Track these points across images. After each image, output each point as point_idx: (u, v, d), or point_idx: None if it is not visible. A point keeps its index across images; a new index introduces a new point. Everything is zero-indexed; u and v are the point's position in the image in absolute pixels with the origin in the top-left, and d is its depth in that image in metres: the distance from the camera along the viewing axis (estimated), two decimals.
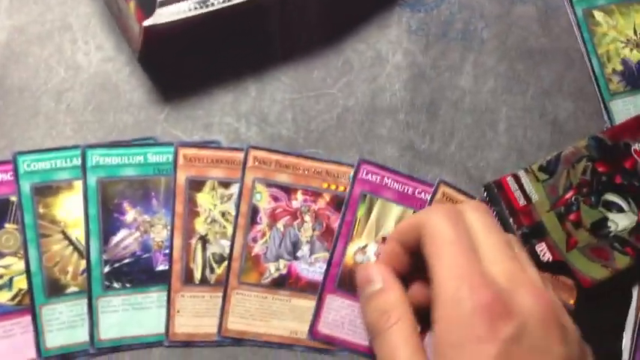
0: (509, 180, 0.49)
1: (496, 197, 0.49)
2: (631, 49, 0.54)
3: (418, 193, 0.49)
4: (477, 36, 0.53)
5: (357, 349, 0.48)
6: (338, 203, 0.48)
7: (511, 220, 0.49)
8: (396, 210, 0.49)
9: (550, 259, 0.49)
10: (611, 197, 0.50)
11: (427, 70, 0.52)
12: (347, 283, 0.48)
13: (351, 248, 0.48)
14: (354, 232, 0.48)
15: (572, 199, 0.49)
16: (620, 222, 0.50)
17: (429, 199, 0.50)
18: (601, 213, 0.49)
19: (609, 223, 0.50)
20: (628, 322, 0.52)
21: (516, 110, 0.52)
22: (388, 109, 0.51)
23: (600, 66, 0.54)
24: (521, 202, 0.49)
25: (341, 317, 0.48)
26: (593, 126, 0.53)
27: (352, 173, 0.49)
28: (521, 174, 0.49)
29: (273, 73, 0.50)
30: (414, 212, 0.49)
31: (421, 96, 0.51)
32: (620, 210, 0.50)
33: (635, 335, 0.51)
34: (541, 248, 0.49)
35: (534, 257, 0.49)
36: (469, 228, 0.39)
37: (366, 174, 0.49)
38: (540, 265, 0.48)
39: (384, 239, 0.49)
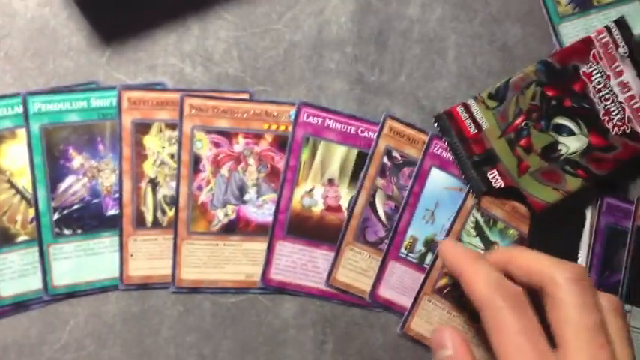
0: (460, 109, 0.49)
1: (447, 127, 0.49)
2: None
3: (362, 132, 0.49)
4: None
5: (310, 292, 0.48)
6: (281, 143, 0.48)
7: (462, 148, 0.49)
8: (340, 151, 0.49)
9: (502, 185, 0.49)
10: (561, 121, 0.50)
11: (373, 1, 0.51)
12: (296, 227, 0.48)
13: (298, 193, 0.48)
14: (299, 176, 0.48)
15: (522, 124, 0.49)
16: (571, 145, 0.50)
17: (375, 136, 0.50)
18: (551, 137, 0.49)
19: (560, 147, 0.49)
20: (582, 244, 0.52)
21: (465, 38, 0.52)
22: (336, 43, 0.50)
23: None
24: (472, 130, 0.49)
25: (292, 262, 0.48)
26: (543, 50, 0.53)
27: (293, 115, 0.48)
28: (471, 102, 0.49)
29: (215, 10, 0.49)
30: (358, 152, 0.49)
31: (369, 27, 0.51)
32: (571, 133, 0.50)
33: (589, 257, 0.52)
34: (493, 175, 0.49)
35: (487, 184, 0.48)
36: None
37: (307, 117, 0.48)
38: (493, 192, 0.48)
39: (330, 181, 0.49)
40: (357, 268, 0.49)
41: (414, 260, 0.50)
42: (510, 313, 0.34)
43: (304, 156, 0.48)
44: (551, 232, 0.51)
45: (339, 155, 0.48)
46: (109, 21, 0.47)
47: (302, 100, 0.49)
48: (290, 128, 0.48)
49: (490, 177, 0.49)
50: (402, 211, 0.50)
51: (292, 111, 0.48)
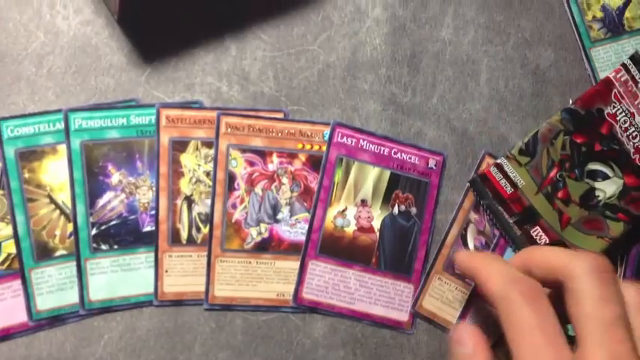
0: (493, 170, 0.49)
1: (483, 190, 0.49)
2: None
3: (394, 153, 0.50)
4: None
5: (341, 312, 0.48)
6: (314, 163, 0.48)
7: (502, 210, 0.49)
8: (373, 172, 0.49)
9: (547, 241, 0.49)
10: (594, 166, 0.50)
11: (407, 23, 0.52)
12: (329, 247, 0.48)
13: (331, 212, 0.48)
14: (333, 196, 0.49)
15: (557, 176, 0.49)
16: (607, 189, 0.49)
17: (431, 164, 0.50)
18: (587, 184, 0.49)
19: (597, 193, 0.49)
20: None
21: (497, 61, 0.52)
22: (369, 64, 0.51)
23: (580, 13, 0.54)
24: (509, 189, 0.49)
25: (324, 282, 0.48)
26: (574, 74, 0.53)
27: (327, 136, 0.49)
28: (504, 161, 0.49)
29: (252, 31, 0.50)
30: (391, 173, 0.49)
31: (402, 49, 0.51)
32: (606, 177, 0.50)
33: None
34: (536, 232, 0.49)
35: (531, 242, 0.49)
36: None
37: (341, 137, 0.49)
38: None
39: (362, 202, 0.49)
40: (443, 298, 0.50)
41: None
42: (526, 308, 0.32)
43: (338, 176, 0.48)
44: None
45: (372, 176, 0.49)
46: (148, 40, 0.48)
47: (336, 121, 0.49)
48: (324, 148, 0.48)
49: (534, 234, 0.49)
50: (492, 250, 0.50)
51: (326, 131, 0.49)
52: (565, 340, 0.31)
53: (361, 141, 0.49)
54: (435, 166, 0.50)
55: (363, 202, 0.49)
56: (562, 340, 0.31)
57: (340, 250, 0.48)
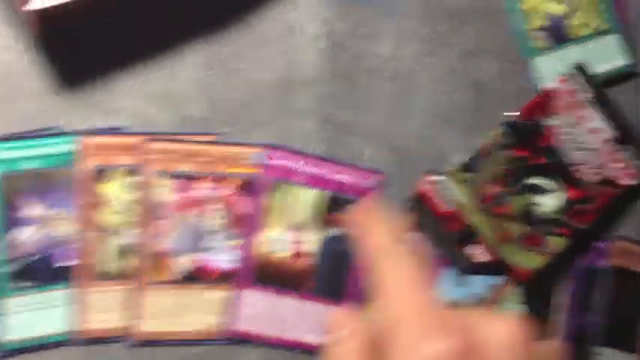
0: (432, 188, 0.48)
1: (422, 209, 0.48)
2: (555, 3, 0.52)
3: (332, 174, 0.48)
4: None
5: (275, 342, 0.46)
6: (246, 188, 0.47)
7: (442, 229, 0.47)
8: (309, 194, 0.47)
9: (487, 259, 0.47)
10: (535, 180, 0.48)
11: (345, 38, 0.50)
12: (262, 275, 0.46)
13: (264, 238, 0.46)
14: (267, 220, 0.47)
15: (498, 192, 0.48)
16: (549, 203, 0.48)
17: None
18: (528, 199, 0.48)
19: (539, 207, 0.48)
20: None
21: (439, 74, 0.51)
22: (304, 82, 0.49)
23: (523, 22, 0.52)
24: (448, 208, 0.48)
25: (257, 312, 0.46)
26: (519, 85, 0.51)
27: (260, 158, 0.47)
28: (443, 179, 0.48)
29: (181, 51, 0.48)
30: (330, 196, 0.48)
31: (339, 66, 0.49)
32: (547, 191, 0.48)
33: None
34: (476, 250, 0.48)
35: (472, 260, 0.47)
36: None
37: (275, 160, 0.47)
38: (477, 268, 0.47)
39: (298, 226, 0.47)
40: None
41: None
42: (403, 269, 0.30)
43: (272, 200, 0.46)
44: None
45: (308, 198, 0.47)
46: (71, 64, 0.46)
47: (270, 143, 0.47)
48: (257, 171, 0.46)
49: (474, 253, 0.47)
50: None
51: (259, 153, 0.47)
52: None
53: (297, 162, 0.47)
54: (375, 185, 0.48)
55: (300, 226, 0.47)
56: (431, 295, 0.29)
57: (275, 277, 0.46)
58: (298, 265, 0.47)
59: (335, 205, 0.47)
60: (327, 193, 0.47)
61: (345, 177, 0.48)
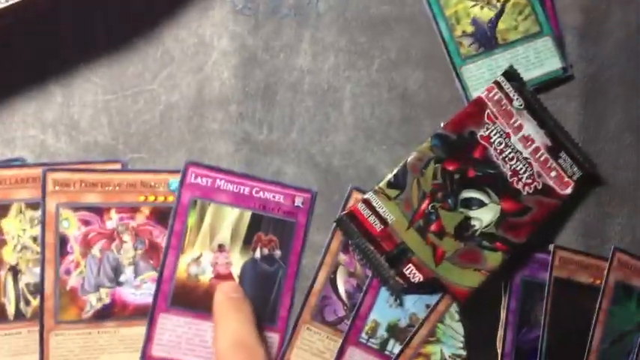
0: (361, 207, 0.45)
1: (351, 229, 0.45)
2: (481, 7, 0.50)
3: (256, 192, 0.45)
4: (313, 10, 0.49)
5: None
6: (160, 216, 0.44)
7: (373, 249, 0.45)
8: (232, 213, 0.45)
9: (421, 279, 0.45)
10: (468, 194, 0.46)
11: (259, 53, 0.47)
12: (182, 298, 0.44)
13: (184, 260, 0.44)
14: (186, 242, 0.44)
15: (429, 208, 0.46)
16: (483, 217, 0.46)
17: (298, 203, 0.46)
18: (462, 214, 0.46)
19: (473, 222, 0.46)
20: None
21: (361, 87, 0.48)
22: (218, 101, 0.46)
23: (449, 29, 0.50)
24: (378, 227, 0.45)
25: (177, 337, 0.44)
26: (446, 95, 0.49)
27: (173, 185, 0.44)
28: (371, 197, 0.45)
29: (80, 73, 0.45)
30: (252, 214, 0.45)
31: (254, 82, 0.47)
32: (481, 204, 0.46)
33: (505, 314, 0.48)
34: (409, 270, 0.45)
35: (405, 280, 0.45)
36: None
37: (195, 177, 0.44)
38: (413, 288, 0.45)
39: (220, 247, 0.45)
40: (313, 349, 0.46)
41: (375, 347, 0.47)
42: (232, 314, 0.38)
43: (191, 220, 0.44)
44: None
45: (231, 218, 0.44)
46: None
47: (189, 160, 0.44)
48: (170, 199, 0.44)
49: (407, 272, 0.45)
50: (364, 292, 0.47)
51: (172, 179, 0.44)
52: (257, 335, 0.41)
53: (218, 180, 0.44)
54: (303, 204, 0.46)
55: (221, 247, 0.44)
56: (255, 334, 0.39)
57: (195, 300, 0.44)
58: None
59: (259, 223, 0.45)
60: (251, 211, 0.45)
61: (270, 195, 0.45)
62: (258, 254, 0.45)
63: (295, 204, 0.46)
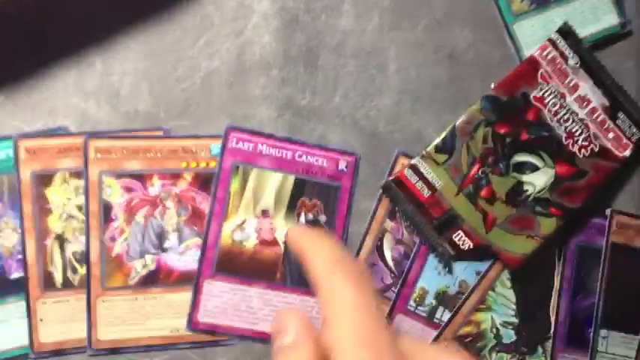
0: (407, 172, 0.44)
1: (398, 195, 0.44)
2: None
3: (299, 156, 0.44)
4: None
5: (244, 334, 0.43)
6: (202, 182, 0.43)
7: (420, 216, 0.44)
8: (275, 178, 0.44)
9: (471, 246, 0.44)
10: (521, 158, 0.44)
11: (300, 15, 0.46)
12: (226, 265, 0.43)
13: (228, 226, 0.43)
14: (229, 208, 0.43)
15: (479, 173, 0.44)
16: (537, 182, 0.44)
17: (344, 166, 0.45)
18: (514, 179, 0.44)
19: (526, 187, 0.44)
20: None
21: (407, 48, 0.46)
22: (259, 66, 0.45)
23: None
24: (426, 193, 0.44)
25: (223, 303, 0.43)
26: (496, 54, 0.47)
27: (216, 149, 0.43)
28: (419, 162, 0.44)
29: (120, 40, 0.44)
30: (295, 179, 0.44)
31: (296, 45, 0.46)
32: (534, 168, 0.44)
33: (560, 280, 0.47)
34: (459, 237, 0.44)
35: (454, 247, 0.44)
36: None
37: (236, 142, 0.44)
38: (462, 255, 0.44)
39: (264, 212, 0.44)
40: None
41: (423, 314, 0.46)
42: (348, 287, 0.29)
43: (234, 186, 0.43)
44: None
45: (273, 183, 0.44)
46: (0, 65, 0.42)
47: (230, 125, 0.44)
48: (212, 164, 0.43)
49: (456, 239, 0.44)
50: (412, 259, 0.45)
51: (213, 144, 0.43)
52: (385, 321, 0.29)
53: (260, 145, 0.44)
54: (347, 167, 0.44)
55: (265, 213, 0.43)
56: (383, 321, 0.28)
57: (240, 266, 0.43)
58: (265, 254, 0.43)
59: (303, 188, 0.44)
60: (294, 176, 0.44)
61: (313, 159, 0.44)
62: (302, 219, 0.44)
63: (339, 168, 0.44)
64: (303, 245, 0.33)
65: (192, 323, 0.43)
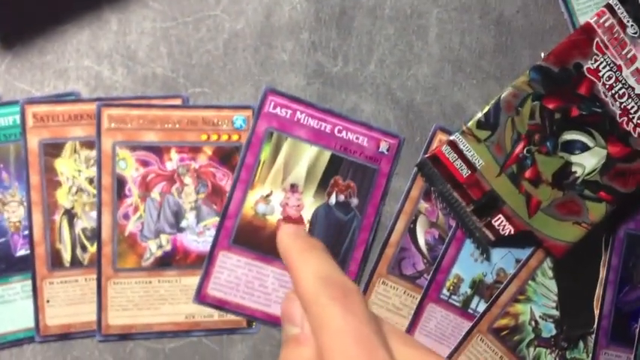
0: (445, 150, 0.40)
1: (434, 174, 0.41)
2: None
3: (339, 131, 0.41)
4: None
5: (254, 315, 0.40)
6: (223, 156, 0.40)
7: (458, 197, 0.40)
8: (309, 151, 0.40)
9: (512, 232, 0.41)
10: (570, 136, 0.41)
11: None
12: (245, 237, 0.40)
13: (252, 197, 0.40)
14: (257, 177, 0.40)
15: (525, 152, 0.41)
16: (586, 163, 0.41)
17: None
18: (562, 159, 0.41)
19: (574, 168, 0.41)
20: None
21: (449, 11, 0.42)
22: (288, 28, 0.41)
23: None
24: (465, 172, 0.40)
25: (236, 278, 0.40)
26: (548, 21, 0.43)
27: (238, 122, 0.40)
28: (458, 138, 0.40)
29: None
30: (331, 155, 0.41)
31: (328, 6, 0.42)
32: (585, 148, 0.41)
33: (606, 271, 0.43)
34: (499, 221, 0.41)
35: (494, 233, 0.41)
36: None
37: (274, 107, 0.40)
38: (503, 241, 0.41)
39: (292, 187, 0.40)
40: (388, 304, 0.42)
41: (457, 304, 0.43)
42: (337, 313, 0.28)
43: (264, 153, 0.40)
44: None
45: (307, 156, 0.40)
46: (6, 19, 0.39)
47: (270, 86, 0.41)
48: (234, 137, 0.40)
49: (496, 224, 0.41)
50: (447, 244, 0.42)
51: (237, 116, 0.40)
52: (380, 342, 0.28)
53: (298, 113, 0.40)
54: (388, 150, 0.41)
55: (293, 187, 0.40)
56: (377, 343, 0.28)
57: (259, 241, 0.40)
58: None
59: (338, 166, 0.40)
60: (330, 152, 0.40)
61: (353, 136, 0.40)
62: (333, 200, 0.41)
63: (379, 149, 0.41)
64: (291, 257, 0.32)
65: (200, 295, 0.40)
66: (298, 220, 0.41)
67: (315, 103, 0.41)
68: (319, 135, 0.41)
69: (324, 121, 0.41)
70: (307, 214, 0.41)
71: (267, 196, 0.40)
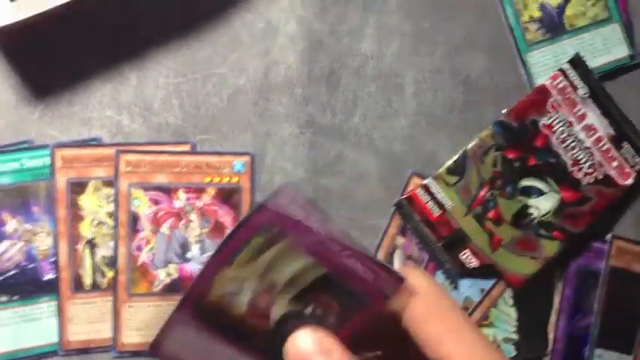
0: (419, 192, 0.46)
1: (409, 213, 0.46)
2: None
3: (346, 257, 0.43)
4: None
5: None
6: (225, 196, 0.46)
7: (430, 233, 0.46)
8: (300, 262, 0.41)
9: (476, 265, 0.46)
10: (527, 182, 0.46)
11: (324, 38, 0.48)
12: (206, 308, 0.44)
13: (225, 276, 0.45)
14: (237, 257, 0.43)
15: (488, 195, 0.46)
16: (542, 205, 0.46)
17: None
18: (520, 202, 0.46)
19: (531, 210, 0.46)
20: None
21: (424, 72, 0.49)
22: (283, 85, 0.47)
23: (515, 14, 0.49)
24: (436, 212, 0.46)
25: (186, 341, 0.45)
26: (509, 81, 0.49)
27: (237, 166, 0.45)
28: (431, 182, 0.46)
29: (153, 57, 0.46)
30: (325, 274, 0.39)
31: (319, 67, 0.48)
32: (540, 193, 0.46)
33: (560, 301, 0.49)
34: (465, 255, 0.46)
35: (460, 266, 0.46)
36: None
37: (282, 205, 0.43)
38: (468, 273, 0.46)
39: (269, 284, 0.42)
40: None
41: None
42: None
43: (255, 241, 0.43)
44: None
45: (296, 266, 0.42)
46: (40, 74, 0.45)
47: (291, 182, 0.46)
48: (234, 180, 0.46)
49: (463, 258, 0.46)
50: None
51: (236, 161, 0.46)
52: None
53: (305, 218, 0.43)
54: (389, 293, 0.43)
55: (270, 285, 0.42)
56: None
57: (219, 318, 0.42)
58: (251, 320, 0.41)
59: (328, 288, 0.41)
60: (324, 270, 0.42)
61: (359, 266, 0.41)
62: (309, 310, 0.43)
63: (386, 291, 0.41)
64: None
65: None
66: (263, 316, 0.41)
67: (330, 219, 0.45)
68: (319, 250, 0.40)
69: (330, 240, 0.41)
70: (275, 315, 0.44)
71: (241, 282, 0.41)
